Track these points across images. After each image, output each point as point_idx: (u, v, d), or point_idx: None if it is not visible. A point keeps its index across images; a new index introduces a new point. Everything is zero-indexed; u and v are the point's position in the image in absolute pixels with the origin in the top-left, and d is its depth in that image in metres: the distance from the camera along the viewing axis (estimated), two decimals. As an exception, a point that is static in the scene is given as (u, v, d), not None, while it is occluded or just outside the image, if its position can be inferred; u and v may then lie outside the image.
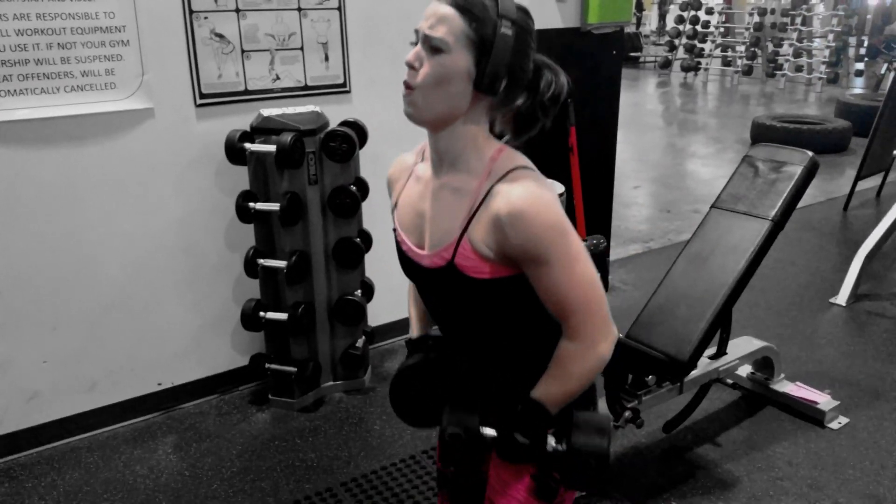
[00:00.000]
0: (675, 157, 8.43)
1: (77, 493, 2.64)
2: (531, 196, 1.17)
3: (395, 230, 1.41)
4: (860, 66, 14.18)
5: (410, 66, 1.21)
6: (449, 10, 1.17)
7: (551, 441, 1.29)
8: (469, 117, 1.23)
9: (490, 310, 1.31)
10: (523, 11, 1.22)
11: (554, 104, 1.26)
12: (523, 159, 1.26)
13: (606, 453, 1.25)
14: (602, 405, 2.57)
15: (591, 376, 1.28)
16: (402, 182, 1.41)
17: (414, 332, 1.57)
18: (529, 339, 1.35)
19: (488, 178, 1.22)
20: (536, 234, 1.16)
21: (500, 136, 1.29)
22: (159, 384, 3.11)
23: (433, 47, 1.18)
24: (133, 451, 2.87)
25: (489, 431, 1.30)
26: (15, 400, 2.81)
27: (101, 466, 2.79)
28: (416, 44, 1.22)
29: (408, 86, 1.21)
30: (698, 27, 15.42)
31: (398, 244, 1.40)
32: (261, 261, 2.95)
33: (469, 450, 1.30)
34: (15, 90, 2.55)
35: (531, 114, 1.26)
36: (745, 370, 3.19)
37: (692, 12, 15.45)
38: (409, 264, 1.37)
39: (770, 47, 14.53)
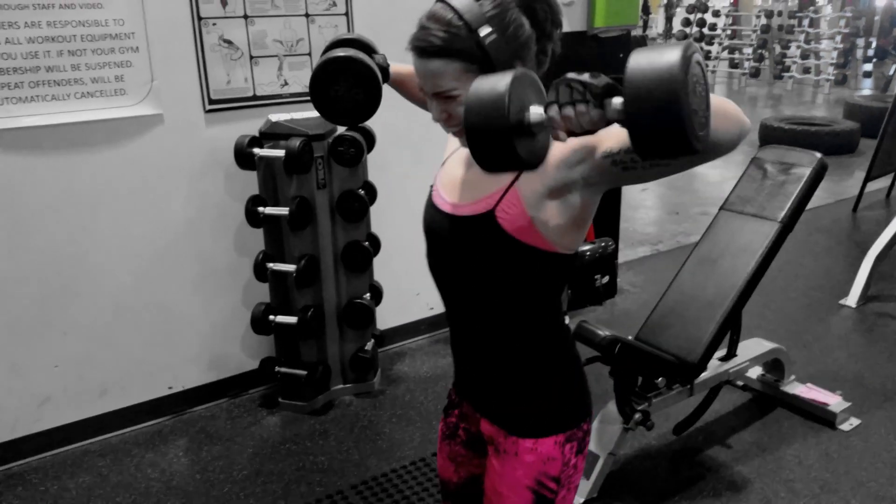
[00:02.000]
0: (683, 160, 8.41)
1: (89, 497, 2.65)
2: None
3: (431, 186, 1.40)
4: (868, 67, 14.13)
5: (442, 122, 1.24)
6: (435, 63, 1.17)
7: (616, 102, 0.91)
8: None
9: (505, 280, 1.26)
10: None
11: (557, 28, 1.25)
12: None
13: (678, 80, 0.82)
14: (611, 407, 2.57)
15: (731, 108, 1.07)
16: (455, 146, 1.41)
17: (396, 66, 1.63)
18: (529, 333, 1.33)
19: None
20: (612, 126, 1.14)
21: None
22: (170, 388, 3.13)
23: (446, 98, 1.20)
24: (144, 455, 2.89)
25: (535, 109, 0.94)
26: (27, 404, 2.83)
27: (113, 470, 2.80)
28: (428, 93, 1.23)
29: (455, 133, 1.26)
30: (705, 30, 15.38)
31: (429, 199, 1.38)
32: (270, 265, 2.96)
33: (494, 124, 0.92)
34: (26, 97, 2.58)
35: (542, 50, 1.25)
36: (755, 372, 3.18)
37: (699, 15, 15.42)
38: (435, 217, 1.34)
39: (777, 49, 14.48)
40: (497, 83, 0.92)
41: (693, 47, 0.88)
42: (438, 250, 1.37)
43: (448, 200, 1.31)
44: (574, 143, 1.14)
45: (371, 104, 1.52)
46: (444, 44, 1.16)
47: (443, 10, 1.17)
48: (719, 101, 1.04)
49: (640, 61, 0.85)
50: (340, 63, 1.48)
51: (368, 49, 1.61)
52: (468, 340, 1.41)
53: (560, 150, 1.16)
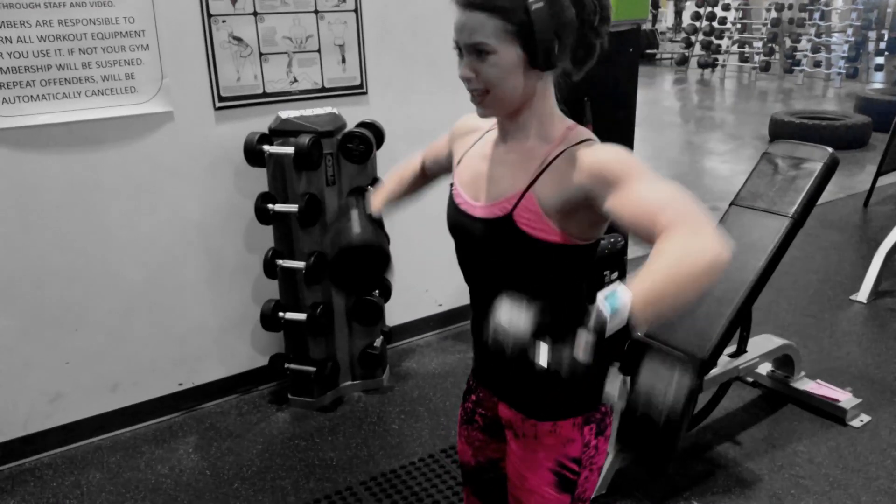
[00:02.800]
0: (693, 155, 8.39)
1: (100, 493, 2.67)
2: (616, 148, 1.19)
3: (451, 185, 1.41)
4: (880, 60, 14.02)
5: (467, 80, 1.22)
6: (478, 16, 1.17)
7: (614, 373, 1.08)
8: (537, 93, 1.25)
9: (531, 273, 1.28)
10: None
11: (605, 23, 1.25)
12: (594, 136, 1.27)
13: (680, 409, 0.96)
14: (620, 404, 2.56)
15: (698, 271, 1.01)
16: (469, 140, 1.42)
17: (377, 201, 1.63)
18: (558, 318, 1.34)
19: (562, 144, 1.23)
20: (620, 164, 1.16)
21: (565, 73, 1.28)
22: (180, 384, 3.14)
23: (479, 52, 1.19)
24: (155, 451, 2.90)
25: (543, 349, 1.04)
26: (38, 401, 2.85)
27: (124, 466, 2.82)
28: (459, 52, 1.23)
29: (476, 96, 1.24)
30: (715, 23, 15.32)
31: (451, 198, 1.39)
32: (280, 262, 2.97)
33: (512, 355, 1.05)
34: (37, 95, 2.59)
35: (587, 44, 1.25)
36: (765, 368, 3.17)
37: (708, 8, 15.37)
38: (458, 218, 1.36)
39: (788, 43, 14.41)
40: (520, 329, 1.03)
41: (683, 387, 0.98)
42: (465, 247, 1.39)
43: (469, 200, 1.34)
44: (590, 174, 1.17)
45: (383, 270, 1.61)
46: (490, 0, 1.16)
47: None
48: (688, 276, 1.02)
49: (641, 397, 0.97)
50: (351, 254, 1.55)
51: (361, 210, 1.63)
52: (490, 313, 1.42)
53: (577, 176, 1.18)
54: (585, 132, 1.26)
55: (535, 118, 1.27)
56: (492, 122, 1.40)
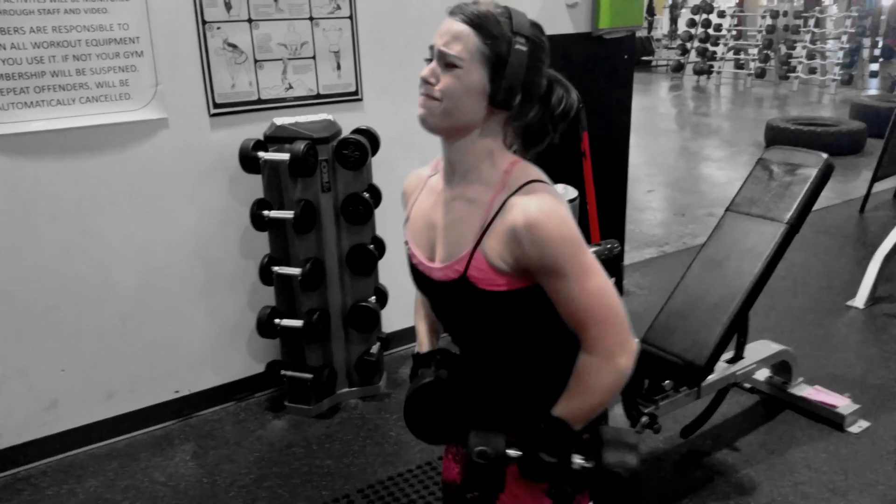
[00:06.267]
0: (689, 161, 8.40)
1: (96, 501, 2.65)
2: (547, 209, 1.18)
3: (406, 243, 1.41)
4: (875, 67, 14.08)
5: (426, 82, 1.22)
6: (463, 28, 1.18)
7: (578, 459, 1.27)
8: (484, 130, 1.25)
9: (504, 322, 1.30)
10: (537, 27, 1.24)
11: (564, 119, 1.28)
12: (538, 172, 1.26)
13: (638, 469, 1.23)
14: (618, 411, 2.56)
15: (612, 390, 1.25)
16: (415, 195, 1.42)
17: (422, 347, 1.56)
18: (544, 353, 1.35)
19: (503, 191, 1.23)
20: (552, 247, 1.17)
21: (510, 149, 1.30)
22: (176, 392, 3.13)
23: (448, 64, 1.19)
24: (151, 459, 2.89)
25: (514, 452, 1.28)
26: (34, 408, 2.84)
27: (120, 474, 2.80)
28: (430, 60, 1.23)
29: (426, 97, 1.23)
30: (710, 30, 15.37)
31: (409, 257, 1.40)
32: (275, 268, 2.96)
33: (494, 470, 1.28)
34: (31, 102, 2.58)
35: (541, 128, 1.28)
36: (762, 374, 3.16)
37: (704, 15, 15.41)
38: (420, 277, 1.38)
39: (783, 50, 14.45)
40: (497, 447, 1.28)
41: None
42: (434, 301, 1.42)
43: (424, 261, 1.35)
44: (523, 252, 1.19)
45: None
46: (482, 21, 1.18)
47: (499, 7, 1.21)
48: (602, 400, 1.26)
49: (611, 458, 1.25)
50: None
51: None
52: (474, 360, 1.43)
53: (513, 245, 1.20)
54: (524, 172, 1.25)
55: (478, 158, 1.26)
56: (432, 169, 1.41)
